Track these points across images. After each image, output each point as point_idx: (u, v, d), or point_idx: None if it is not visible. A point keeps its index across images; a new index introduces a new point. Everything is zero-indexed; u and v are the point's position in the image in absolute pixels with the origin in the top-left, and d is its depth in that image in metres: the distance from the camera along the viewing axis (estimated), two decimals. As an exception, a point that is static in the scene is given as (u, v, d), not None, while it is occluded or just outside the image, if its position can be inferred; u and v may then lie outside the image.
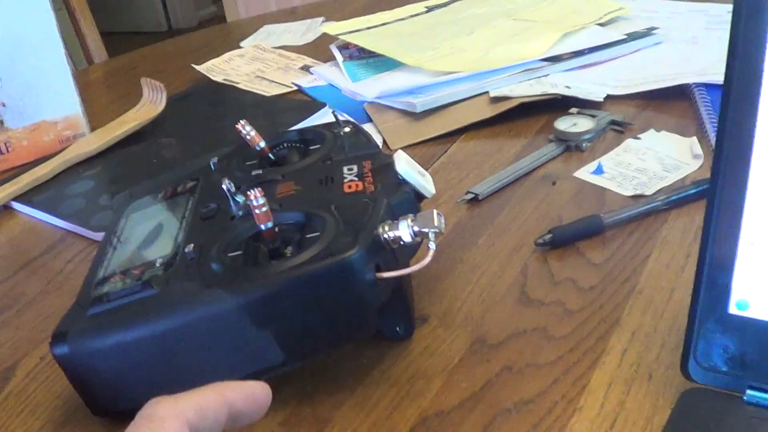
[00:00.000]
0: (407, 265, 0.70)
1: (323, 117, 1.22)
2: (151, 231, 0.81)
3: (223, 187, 0.77)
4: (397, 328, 0.76)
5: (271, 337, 0.67)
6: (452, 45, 1.33)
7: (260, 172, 0.82)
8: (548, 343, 0.76)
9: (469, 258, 0.88)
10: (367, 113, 1.21)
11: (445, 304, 0.81)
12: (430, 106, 1.17)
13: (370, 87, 1.26)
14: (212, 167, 0.86)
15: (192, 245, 0.72)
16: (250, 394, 0.58)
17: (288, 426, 0.71)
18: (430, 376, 0.74)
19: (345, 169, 0.78)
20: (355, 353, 0.76)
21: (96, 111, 1.32)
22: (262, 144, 0.85)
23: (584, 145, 1.05)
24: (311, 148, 0.86)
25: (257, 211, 0.70)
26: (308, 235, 0.70)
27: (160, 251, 0.75)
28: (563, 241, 0.87)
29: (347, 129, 0.86)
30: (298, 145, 0.88)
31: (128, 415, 0.70)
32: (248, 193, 0.70)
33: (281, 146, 0.87)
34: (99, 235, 1.02)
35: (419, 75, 1.25)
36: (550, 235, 0.87)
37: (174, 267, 0.71)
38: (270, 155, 0.86)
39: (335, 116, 0.86)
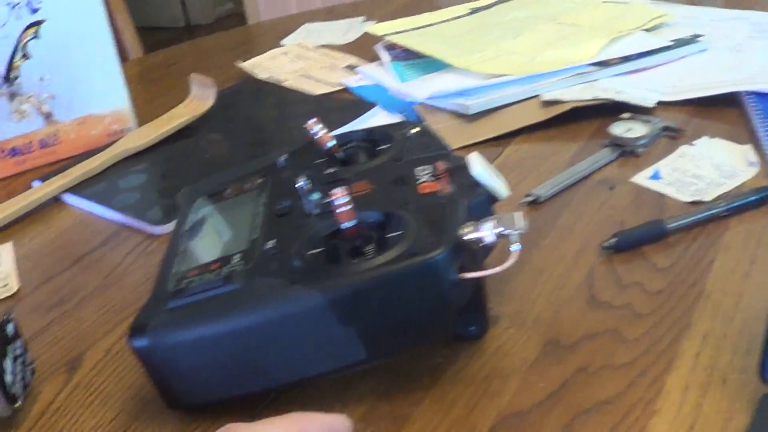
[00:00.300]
0: (482, 267, 0.70)
1: (373, 117, 1.22)
2: (223, 227, 0.81)
3: (298, 185, 0.77)
4: (471, 328, 0.76)
5: (354, 334, 0.68)
6: (498, 48, 1.33)
7: (332, 170, 0.82)
8: (621, 345, 0.76)
9: (535, 260, 0.88)
10: (417, 114, 1.20)
11: (514, 305, 0.82)
12: (483, 108, 1.18)
13: (420, 88, 1.26)
14: (280, 165, 0.86)
15: (272, 241, 0.72)
16: (329, 428, 0.57)
17: (367, 422, 0.71)
18: (506, 376, 0.74)
19: (417, 170, 0.78)
20: (428, 352, 0.77)
21: (139, 106, 1.33)
22: (331, 143, 0.85)
23: (639, 150, 1.05)
24: (379, 148, 0.86)
25: (341, 209, 0.70)
26: (388, 235, 0.70)
27: (234, 247, 0.76)
28: (628, 245, 0.88)
29: (415, 129, 0.86)
30: (365, 145, 0.87)
31: (204, 409, 0.71)
32: (332, 191, 0.70)
33: (349, 146, 0.87)
34: (156, 229, 1.03)
35: (468, 77, 1.25)
36: (616, 239, 0.87)
37: (254, 263, 0.72)
38: (337, 155, 0.86)
39: (402, 117, 0.86)
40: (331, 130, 0.88)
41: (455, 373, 0.75)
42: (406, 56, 1.37)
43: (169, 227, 1.03)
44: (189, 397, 0.72)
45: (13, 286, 0.99)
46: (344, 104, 1.27)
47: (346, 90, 1.35)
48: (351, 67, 1.42)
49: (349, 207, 0.70)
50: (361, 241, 0.71)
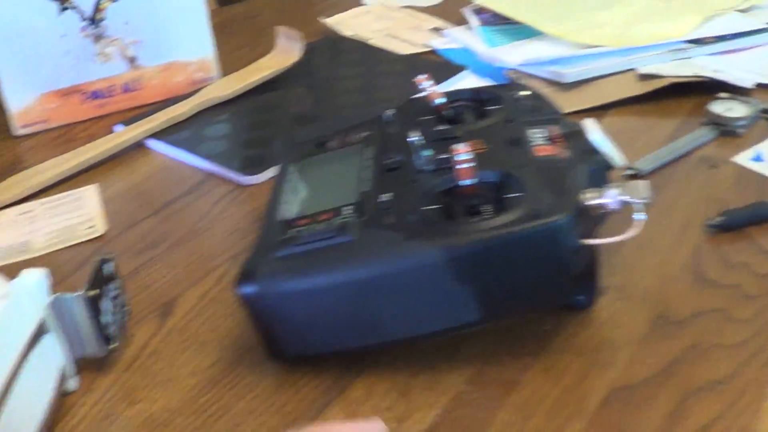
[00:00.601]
0: (595, 235, 0.68)
1: (462, 80, 1.20)
2: (328, 178, 0.80)
3: (410, 140, 0.75)
4: (580, 297, 0.75)
5: (470, 294, 0.66)
6: (590, 18, 1.31)
7: (443, 127, 0.80)
8: (731, 325, 0.75)
9: (639, 233, 0.86)
10: (508, 80, 1.19)
11: (621, 277, 0.80)
12: (578, 78, 1.16)
13: (511, 54, 1.24)
14: (386, 119, 0.85)
15: (387, 195, 0.71)
16: None
17: (474, 384, 0.70)
18: (616, 348, 0.73)
19: (530, 132, 0.77)
20: (535, 319, 0.76)
21: (221, 56, 1.31)
22: (440, 100, 0.84)
23: (739, 130, 1.03)
24: (487, 108, 0.84)
25: (462, 165, 0.68)
26: (507, 195, 0.69)
27: (343, 198, 0.74)
28: (735, 224, 0.86)
29: (525, 92, 0.85)
30: (472, 104, 0.86)
31: (304, 361, 0.70)
32: (453, 147, 0.69)
33: (456, 104, 0.85)
34: (245, 179, 1.02)
35: (560, 46, 1.23)
36: (723, 218, 0.85)
37: (368, 216, 0.70)
38: (444, 112, 0.84)
39: (510, 79, 0.84)
40: (417, 94, 0.87)
41: (563, 341, 0.73)
42: (496, 21, 1.35)
43: (258, 178, 1.02)
44: (293, 347, 0.71)
45: (100, 228, 0.98)
46: (432, 66, 1.25)
47: (432, 52, 1.33)
48: (436, 30, 1.40)
49: (471, 164, 0.68)
50: (478, 200, 0.69)
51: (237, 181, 1.03)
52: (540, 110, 0.81)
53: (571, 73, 1.15)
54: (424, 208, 0.69)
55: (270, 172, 1.02)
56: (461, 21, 1.40)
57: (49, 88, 1.23)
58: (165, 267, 0.89)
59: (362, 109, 1.13)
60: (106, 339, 0.75)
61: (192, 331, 0.79)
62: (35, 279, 0.72)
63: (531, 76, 1.19)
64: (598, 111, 1.11)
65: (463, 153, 0.68)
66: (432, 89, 0.83)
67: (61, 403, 0.73)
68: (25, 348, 0.68)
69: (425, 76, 0.84)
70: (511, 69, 1.21)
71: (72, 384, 0.75)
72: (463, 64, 1.24)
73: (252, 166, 1.03)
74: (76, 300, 0.73)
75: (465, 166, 0.68)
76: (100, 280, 0.75)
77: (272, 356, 0.73)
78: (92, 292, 0.73)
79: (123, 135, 1.15)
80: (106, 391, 0.75)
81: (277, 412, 0.70)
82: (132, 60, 1.25)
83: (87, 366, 0.76)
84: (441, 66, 1.25)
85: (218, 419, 0.70)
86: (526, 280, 0.66)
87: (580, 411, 0.67)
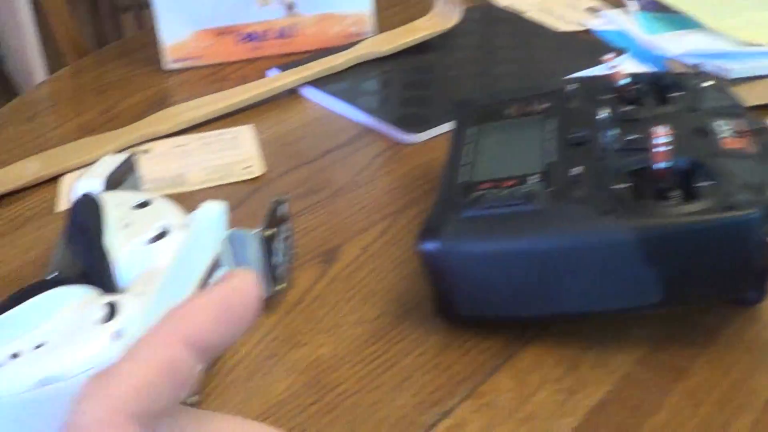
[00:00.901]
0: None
1: (620, 64, 1.19)
2: (510, 145, 0.80)
3: (599, 117, 0.75)
4: (751, 293, 0.74)
5: (655, 276, 0.66)
6: (753, 17, 1.29)
7: (628, 108, 0.80)
8: None
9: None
10: (668, 69, 1.18)
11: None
12: (745, 75, 1.14)
13: (673, 43, 1.23)
14: (568, 93, 0.84)
15: (578, 168, 0.71)
16: (222, 308, 0.37)
17: (644, 366, 0.70)
18: (785, 349, 0.72)
19: (716, 124, 0.76)
20: (702, 311, 0.75)
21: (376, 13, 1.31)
22: (624, 81, 0.83)
23: None
24: (670, 95, 0.83)
25: (660, 148, 0.68)
26: (698, 184, 0.68)
27: (526, 167, 0.75)
28: None
29: (709, 83, 0.84)
30: (653, 89, 0.85)
31: (472, 324, 0.70)
32: (652, 129, 0.68)
33: (638, 87, 0.85)
34: (405, 137, 1.02)
35: (722, 41, 1.22)
36: None
37: (556, 187, 0.70)
38: (626, 94, 0.84)
39: (694, 68, 0.84)
40: (575, 71, 0.87)
41: (731, 336, 0.73)
42: (655, 8, 1.34)
43: (419, 137, 1.02)
44: (466, 309, 0.71)
45: (257, 169, 0.99)
46: (589, 46, 1.24)
47: (588, 32, 1.32)
48: (592, 9, 1.39)
49: (669, 147, 0.68)
50: (668, 185, 0.69)
51: (397, 139, 1.03)
52: (724, 102, 0.81)
53: (737, 69, 1.13)
54: (614, 186, 0.69)
55: (430, 133, 1.02)
56: (618, 3, 1.38)
57: (205, 26, 1.24)
58: (326, 215, 0.90)
59: (522, 82, 1.13)
60: (276, 280, 0.76)
61: (356, 281, 0.80)
62: (216, 212, 0.72)
63: (691, 67, 1.17)
64: (761, 110, 1.10)
65: (663, 136, 0.67)
66: (618, 68, 0.82)
67: (226, 338, 0.73)
68: (202, 281, 0.69)
69: (613, 53, 0.83)
70: (671, 58, 1.19)
71: (236, 320, 0.75)
72: (621, 47, 1.23)
73: (412, 124, 1.04)
74: (252, 237, 0.74)
75: (663, 149, 0.68)
76: (275, 220, 0.76)
77: (441, 315, 0.73)
78: (269, 232, 0.74)
79: (280, 79, 1.16)
80: (270, 331, 0.75)
81: (445, 371, 0.70)
82: (290, 6, 1.26)
83: (249, 305, 0.76)
84: (599, 47, 1.24)
85: (385, 371, 0.70)
86: (709, 270, 0.66)
87: (750, 404, 0.67)
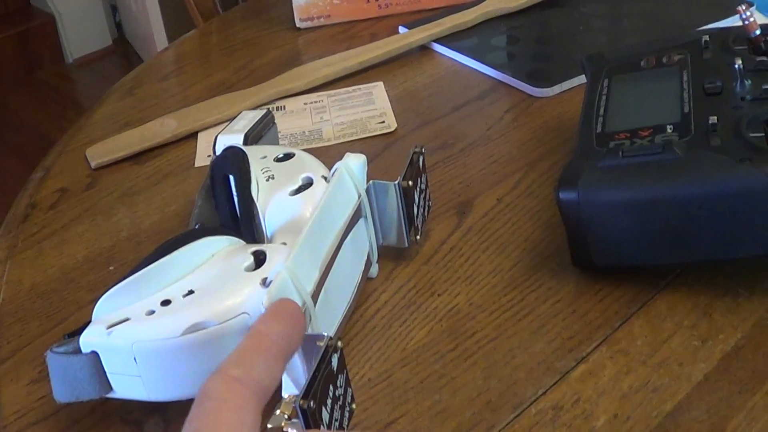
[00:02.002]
0: None
1: (752, 16, 1.18)
2: (644, 96, 0.80)
3: (735, 66, 0.75)
4: None
5: (789, 222, 0.66)
6: None
7: (762, 59, 0.80)
8: None
9: None
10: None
11: None
12: None
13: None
14: (701, 44, 0.84)
15: (713, 118, 0.71)
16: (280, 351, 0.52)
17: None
18: None
19: None
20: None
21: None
22: (758, 32, 0.83)
23: None
24: (803, 45, 0.83)
25: (794, 96, 0.68)
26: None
27: (662, 117, 0.75)
28: None
29: (843, 30, 0.83)
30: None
31: (606, 273, 0.71)
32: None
33: (771, 38, 0.85)
34: (536, 90, 1.03)
35: None
36: None
37: (692, 136, 0.71)
38: (761, 44, 0.84)
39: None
40: (703, 24, 0.86)
41: None
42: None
43: (550, 91, 1.03)
44: (602, 257, 0.72)
45: (391, 123, 1.00)
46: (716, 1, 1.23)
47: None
48: (722, -38, 1.37)
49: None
50: (803, 133, 0.69)
51: (528, 92, 1.04)
52: None
53: None
54: (751, 134, 0.69)
55: (560, 87, 1.03)
56: (748, -45, 1.36)
57: (335, -15, 1.26)
58: (459, 167, 0.91)
59: (649, 35, 1.12)
60: (413, 230, 0.78)
61: (491, 232, 0.81)
62: (358, 162, 0.74)
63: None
64: None
65: (798, 85, 0.67)
66: (751, 19, 0.82)
67: (364, 287, 0.76)
68: (345, 227, 0.71)
69: (745, 4, 0.83)
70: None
71: (374, 270, 0.77)
72: (750, 0, 1.22)
73: (542, 79, 1.05)
74: (392, 188, 0.75)
75: (797, 97, 0.68)
76: (413, 172, 0.77)
77: (576, 264, 0.74)
78: (408, 182, 0.75)
79: (410, 36, 1.17)
80: (407, 280, 0.77)
81: (580, 318, 0.71)
82: (419, -36, 1.27)
83: (385, 255, 0.79)
84: (723, 2, 1.23)
85: (522, 318, 0.72)
86: None
87: None
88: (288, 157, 0.77)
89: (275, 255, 0.65)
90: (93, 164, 0.99)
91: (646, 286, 0.73)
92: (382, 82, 1.09)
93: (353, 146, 0.97)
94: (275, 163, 0.77)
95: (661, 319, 0.70)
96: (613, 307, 0.72)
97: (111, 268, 0.82)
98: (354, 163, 0.74)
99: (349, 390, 0.61)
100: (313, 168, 0.75)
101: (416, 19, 1.24)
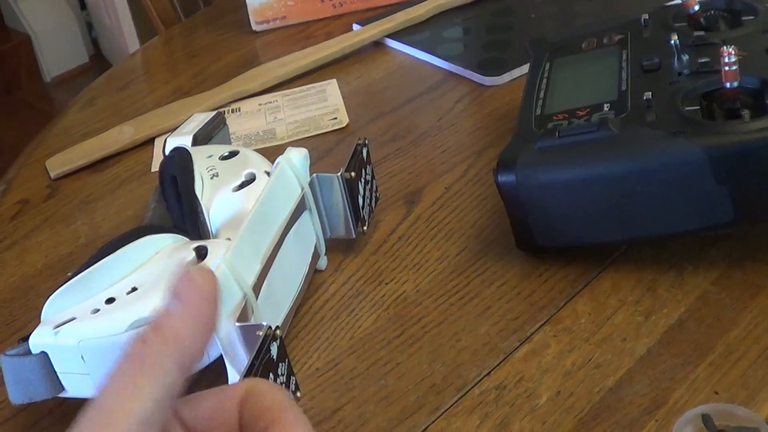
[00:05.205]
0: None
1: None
2: (584, 77, 0.81)
3: (671, 42, 0.76)
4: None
5: (726, 194, 0.67)
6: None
7: (700, 33, 0.80)
8: None
9: None
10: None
11: None
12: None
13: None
14: (641, 23, 0.85)
15: (648, 94, 0.71)
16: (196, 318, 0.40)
17: (720, 286, 0.71)
18: None
19: (788, 43, 0.76)
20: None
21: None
22: (696, 7, 0.84)
23: None
24: (743, 18, 0.83)
25: (728, 68, 0.69)
26: (768, 101, 0.69)
27: (600, 96, 0.76)
28: None
29: (782, 4, 0.84)
30: (725, 14, 0.85)
31: (549, 254, 0.71)
32: (722, 49, 0.69)
33: (710, 13, 0.85)
34: (486, 80, 1.04)
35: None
36: None
37: (628, 113, 0.71)
38: (699, 20, 0.84)
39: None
40: (653, 6, 0.87)
41: (808, 253, 0.73)
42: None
43: (499, 79, 1.04)
44: (544, 238, 0.73)
45: (343, 119, 1.01)
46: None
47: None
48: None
49: (735, 67, 0.68)
50: (737, 104, 0.70)
51: (478, 82, 1.05)
52: (798, 23, 0.80)
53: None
54: (686, 108, 0.69)
55: (510, 75, 1.03)
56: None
57: (289, -14, 1.26)
58: (409, 159, 0.92)
59: (600, 17, 1.13)
60: (360, 221, 0.78)
61: (438, 220, 0.82)
62: (300, 156, 0.75)
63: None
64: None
65: (729, 55, 0.68)
66: (688, -3, 0.83)
67: (313, 279, 0.77)
68: (287, 221, 0.71)
69: (683, -18, 0.84)
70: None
71: (322, 263, 0.78)
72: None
73: (492, 67, 1.05)
74: (334, 180, 0.76)
75: (731, 68, 0.68)
76: (356, 164, 0.78)
77: (520, 246, 0.75)
78: (351, 173, 0.76)
79: (362, 33, 1.18)
80: (355, 271, 0.78)
81: (525, 299, 0.72)
82: (371, -38, 1.27)
83: (335, 247, 0.80)
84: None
85: (467, 302, 0.72)
86: (780, 187, 0.66)
87: (826, 317, 0.67)
88: (233, 155, 0.78)
89: (217, 249, 0.66)
90: (53, 175, 1.00)
91: (591, 265, 0.74)
92: (335, 80, 1.10)
93: (306, 143, 0.97)
94: (220, 161, 0.77)
95: (605, 297, 0.71)
96: (558, 287, 0.72)
97: (69, 274, 0.82)
98: (296, 157, 0.74)
99: (293, 378, 0.62)
100: (257, 164, 0.76)
101: (370, 16, 1.23)
